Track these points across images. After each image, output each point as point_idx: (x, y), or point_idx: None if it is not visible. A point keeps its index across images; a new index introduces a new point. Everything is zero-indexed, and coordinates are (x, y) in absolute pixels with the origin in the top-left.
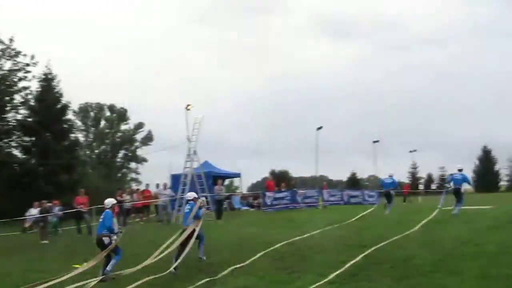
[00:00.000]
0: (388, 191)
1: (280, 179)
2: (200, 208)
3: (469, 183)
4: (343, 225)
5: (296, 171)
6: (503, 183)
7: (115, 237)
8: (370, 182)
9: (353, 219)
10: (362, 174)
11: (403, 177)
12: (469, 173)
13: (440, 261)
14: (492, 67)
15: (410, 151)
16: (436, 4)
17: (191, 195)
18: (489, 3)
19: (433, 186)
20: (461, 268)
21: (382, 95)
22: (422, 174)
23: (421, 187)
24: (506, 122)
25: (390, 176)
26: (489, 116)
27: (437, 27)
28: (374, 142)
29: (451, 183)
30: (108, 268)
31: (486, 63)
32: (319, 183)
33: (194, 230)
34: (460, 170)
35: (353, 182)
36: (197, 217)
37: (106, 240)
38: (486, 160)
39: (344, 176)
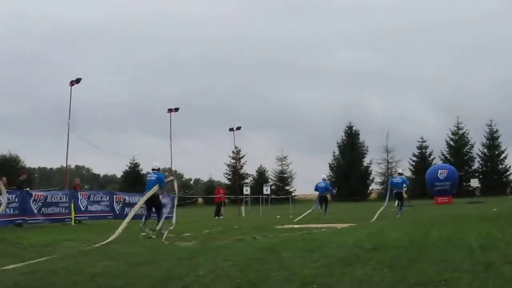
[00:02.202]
0: (324, 195)
1: (1, 170)
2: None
3: (407, 185)
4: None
5: (33, 159)
6: (374, 187)
7: None
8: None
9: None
10: (147, 166)
11: (218, 173)
12: (324, 171)
13: None
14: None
15: (231, 129)
16: None
17: (157, 165)
18: None
19: (266, 189)
20: None
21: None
22: (250, 168)
23: (247, 190)
24: (380, 91)
25: (324, 180)
26: (356, 81)
27: None
28: (171, 111)
29: (390, 187)
30: None
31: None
32: (72, 179)
33: (157, 196)
34: (400, 174)
35: (135, 178)
36: (160, 184)
37: None
38: (351, 150)
39: (118, 169)
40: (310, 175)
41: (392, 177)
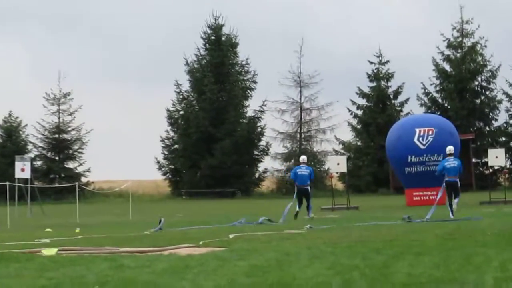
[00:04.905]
0: (305, 188)
1: None
2: None
3: (461, 171)
4: None
5: None
6: (272, 165)
7: None
8: None
9: None
10: None
11: None
12: (158, 127)
13: None
14: None
15: None
16: None
17: None
18: None
19: (23, 168)
20: None
21: None
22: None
23: None
24: None
25: (304, 164)
26: None
27: None
28: None
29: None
30: None
31: None
32: None
33: None
34: (451, 155)
35: None
36: None
37: None
38: (220, 81)
39: None
40: (126, 137)
41: (445, 159)
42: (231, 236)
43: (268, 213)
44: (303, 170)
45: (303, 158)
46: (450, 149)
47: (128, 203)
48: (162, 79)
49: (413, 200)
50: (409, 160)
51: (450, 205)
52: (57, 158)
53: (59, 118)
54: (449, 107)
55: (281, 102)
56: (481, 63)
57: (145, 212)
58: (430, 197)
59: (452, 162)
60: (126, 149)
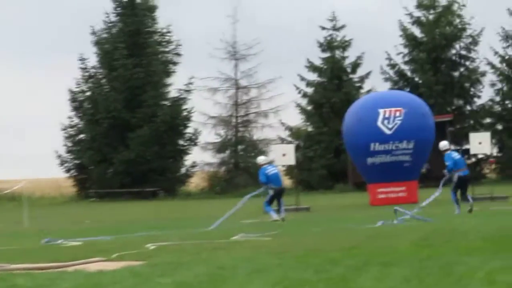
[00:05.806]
0: (284, 187)
1: None
2: None
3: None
4: None
5: None
6: (200, 158)
7: None
8: None
9: None
10: None
11: None
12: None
13: None
14: None
15: None
16: None
17: None
18: None
19: None
20: None
21: None
22: None
23: None
24: None
25: (267, 163)
26: None
27: None
28: None
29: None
30: None
31: None
32: None
33: None
34: (447, 150)
35: None
36: None
37: None
38: (135, 52)
39: None
40: (18, 125)
41: (450, 152)
42: (151, 246)
43: (198, 216)
44: (272, 169)
45: (264, 158)
46: (444, 145)
47: (22, 208)
48: (62, 52)
49: (378, 198)
50: (371, 148)
51: (457, 200)
52: None
53: None
54: (420, 81)
55: (212, 79)
56: (459, 26)
57: (45, 218)
58: (399, 194)
59: (458, 154)
60: (18, 140)
